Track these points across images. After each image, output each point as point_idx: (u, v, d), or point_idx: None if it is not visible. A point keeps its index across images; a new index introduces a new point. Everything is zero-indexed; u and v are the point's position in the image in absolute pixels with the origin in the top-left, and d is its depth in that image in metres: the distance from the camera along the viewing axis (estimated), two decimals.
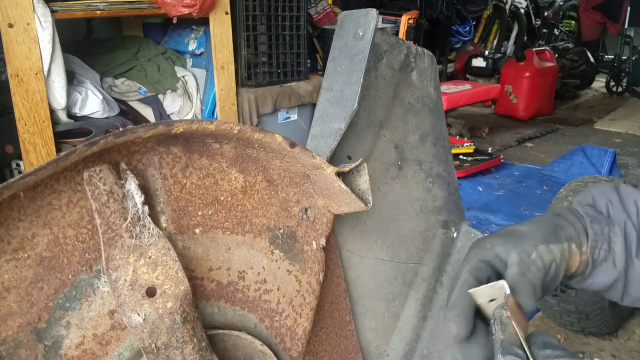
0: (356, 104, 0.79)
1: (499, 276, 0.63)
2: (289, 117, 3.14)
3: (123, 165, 0.60)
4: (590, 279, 0.67)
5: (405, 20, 3.87)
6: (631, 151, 4.39)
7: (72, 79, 2.42)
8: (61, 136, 2.25)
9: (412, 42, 1.31)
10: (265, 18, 2.89)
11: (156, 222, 0.63)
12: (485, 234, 0.74)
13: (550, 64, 5.51)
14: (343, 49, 0.86)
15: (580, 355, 0.54)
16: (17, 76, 2.07)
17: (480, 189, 3.46)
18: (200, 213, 0.68)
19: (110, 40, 2.96)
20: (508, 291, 0.59)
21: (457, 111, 5.00)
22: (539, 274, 0.61)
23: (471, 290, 0.61)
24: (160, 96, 2.82)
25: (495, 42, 6.55)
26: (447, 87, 3.94)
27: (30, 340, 0.58)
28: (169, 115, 2.80)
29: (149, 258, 0.59)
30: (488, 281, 0.62)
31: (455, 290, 0.62)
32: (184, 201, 0.67)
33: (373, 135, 0.90)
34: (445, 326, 0.60)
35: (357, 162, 0.72)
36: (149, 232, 0.60)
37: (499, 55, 6.11)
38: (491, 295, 0.60)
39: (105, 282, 0.61)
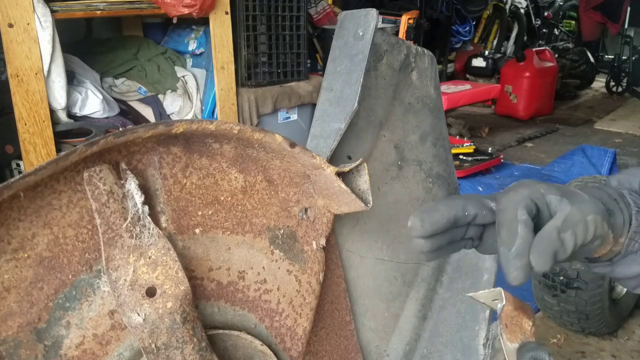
0: (356, 104, 0.79)
1: (539, 222, 0.59)
2: (289, 117, 3.14)
3: (123, 165, 0.60)
4: (616, 267, 0.64)
5: (405, 20, 3.87)
6: (631, 151, 4.39)
7: (72, 79, 2.42)
8: (61, 136, 2.25)
9: (412, 42, 1.31)
10: (265, 18, 2.89)
11: (156, 222, 0.63)
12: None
13: (550, 64, 5.51)
14: (343, 49, 0.86)
15: None
16: (17, 76, 2.07)
17: (480, 189, 3.45)
18: (200, 213, 0.68)
19: (110, 40, 2.95)
20: (504, 301, 0.58)
21: (457, 111, 5.00)
22: (582, 237, 0.57)
23: (471, 295, 0.61)
24: (160, 96, 2.82)
25: (495, 42, 6.55)
26: (447, 87, 3.94)
27: (30, 340, 0.58)
28: (169, 115, 2.80)
29: (149, 258, 0.59)
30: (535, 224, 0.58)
31: (520, 233, 0.57)
32: (184, 201, 0.67)
33: (373, 135, 0.90)
34: (508, 270, 0.56)
35: (357, 162, 0.72)
36: (149, 232, 0.60)
37: (499, 55, 6.12)
38: (492, 297, 0.60)
39: (105, 282, 0.61)
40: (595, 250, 0.62)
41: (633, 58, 6.55)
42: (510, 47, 6.66)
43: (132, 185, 0.59)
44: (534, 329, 0.59)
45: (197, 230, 0.68)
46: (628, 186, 0.66)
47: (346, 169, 0.71)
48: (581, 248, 0.59)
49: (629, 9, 6.98)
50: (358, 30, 0.84)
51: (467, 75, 6.12)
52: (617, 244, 0.62)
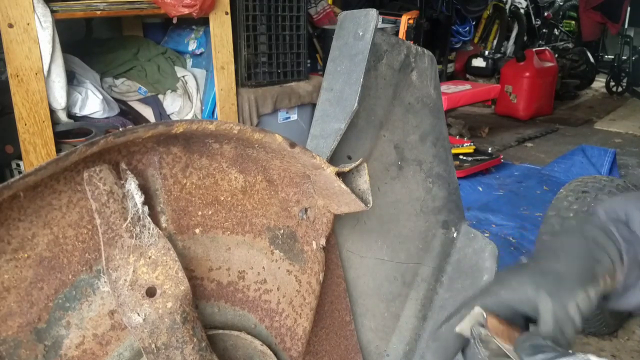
0: (356, 104, 0.79)
1: (527, 320, 0.59)
2: (289, 117, 3.14)
3: (123, 165, 0.60)
4: (616, 301, 0.63)
5: (405, 20, 3.87)
6: (631, 151, 4.39)
7: (72, 79, 2.42)
8: (61, 136, 2.25)
9: (412, 42, 1.31)
10: (265, 18, 2.89)
11: (156, 222, 0.63)
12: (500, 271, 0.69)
13: (550, 64, 5.51)
14: (343, 49, 0.86)
15: (570, 352, 0.53)
16: (17, 76, 2.07)
17: (480, 189, 3.45)
18: (200, 213, 0.68)
19: (110, 40, 2.95)
20: (485, 314, 0.58)
21: (457, 111, 5.00)
22: (575, 329, 0.56)
23: (457, 329, 0.60)
24: (160, 96, 2.82)
25: (495, 42, 6.54)
26: (447, 87, 3.94)
27: (30, 340, 0.58)
28: (169, 115, 2.80)
29: (149, 258, 0.59)
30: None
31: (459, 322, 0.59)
32: (184, 201, 0.67)
33: (373, 135, 0.90)
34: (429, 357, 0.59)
35: (357, 162, 0.72)
36: (149, 232, 0.60)
37: (499, 55, 6.11)
38: (474, 323, 0.60)
39: (105, 282, 0.61)
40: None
41: (633, 58, 6.55)
42: (510, 47, 6.65)
43: (132, 185, 0.59)
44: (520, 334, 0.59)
45: (197, 230, 0.68)
46: (614, 216, 0.64)
47: (346, 169, 0.71)
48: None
49: (629, 9, 6.98)
50: (358, 30, 0.84)
51: (467, 75, 6.11)
52: (616, 282, 0.60)
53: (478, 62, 5.92)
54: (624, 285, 0.61)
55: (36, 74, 2.10)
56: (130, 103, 2.76)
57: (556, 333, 0.55)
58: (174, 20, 2.53)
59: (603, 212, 0.65)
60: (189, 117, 2.81)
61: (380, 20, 3.40)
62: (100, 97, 2.48)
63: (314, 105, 3.01)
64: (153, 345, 0.59)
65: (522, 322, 0.59)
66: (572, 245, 0.61)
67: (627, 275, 0.60)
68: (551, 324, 0.55)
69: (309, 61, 3.30)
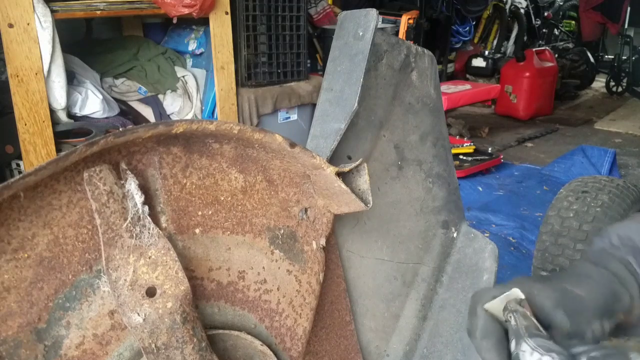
0: (356, 104, 0.79)
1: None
2: (289, 117, 3.14)
3: (123, 165, 0.60)
4: (630, 332, 0.62)
5: (405, 20, 3.87)
6: (631, 151, 4.39)
7: (72, 79, 2.42)
8: (61, 136, 2.25)
9: (412, 42, 1.31)
10: (265, 18, 2.89)
11: (156, 222, 0.63)
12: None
13: (550, 64, 5.51)
14: (343, 49, 0.86)
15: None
16: (17, 76, 2.07)
17: (480, 189, 3.45)
18: (200, 213, 0.68)
19: (110, 40, 2.96)
20: (522, 296, 0.55)
21: (457, 111, 5.00)
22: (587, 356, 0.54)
23: (486, 305, 0.56)
24: (160, 96, 2.82)
25: (495, 42, 6.54)
26: (447, 87, 3.94)
27: (30, 340, 0.58)
28: (169, 115, 2.80)
29: (149, 258, 0.59)
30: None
31: (479, 319, 0.55)
32: (184, 201, 0.66)
33: (373, 135, 0.90)
34: (481, 356, 0.54)
35: (357, 162, 0.72)
36: (149, 232, 0.60)
37: (499, 55, 6.11)
38: (509, 300, 0.57)
39: (105, 282, 0.61)
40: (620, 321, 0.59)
41: (633, 58, 6.54)
42: (510, 47, 6.65)
43: (132, 185, 0.59)
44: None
45: (197, 230, 0.68)
46: (630, 244, 0.61)
47: (346, 169, 0.71)
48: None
49: (629, 9, 6.98)
50: (358, 30, 0.84)
51: (467, 75, 6.11)
52: (630, 317, 0.59)
53: (478, 62, 5.92)
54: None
55: (36, 74, 2.10)
56: (130, 103, 2.76)
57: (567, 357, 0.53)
58: (174, 20, 2.53)
59: (617, 238, 0.63)
60: (189, 117, 2.81)
61: (380, 20, 3.40)
62: (100, 97, 2.48)
63: (314, 105, 3.01)
64: (153, 345, 0.59)
65: None
66: (594, 275, 0.59)
67: None
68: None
69: (309, 61, 3.31)
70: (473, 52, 6.14)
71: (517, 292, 0.55)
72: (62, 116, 2.30)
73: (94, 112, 2.46)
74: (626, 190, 1.80)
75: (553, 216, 1.85)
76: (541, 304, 0.55)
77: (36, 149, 2.16)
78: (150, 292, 0.58)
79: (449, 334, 0.98)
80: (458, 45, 6.04)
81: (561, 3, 7.41)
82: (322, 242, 0.78)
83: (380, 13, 1.36)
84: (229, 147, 0.68)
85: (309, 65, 3.31)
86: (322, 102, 0.86)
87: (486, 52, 6.06)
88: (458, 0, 5.63)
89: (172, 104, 2.81)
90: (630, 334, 0.62)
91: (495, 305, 0.56)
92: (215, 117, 2.83)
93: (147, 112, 2.77)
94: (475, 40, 6.43)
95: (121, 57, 2.77)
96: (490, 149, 3.88)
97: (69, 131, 2.30)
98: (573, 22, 7.77)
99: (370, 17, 0.83)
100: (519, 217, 2.98)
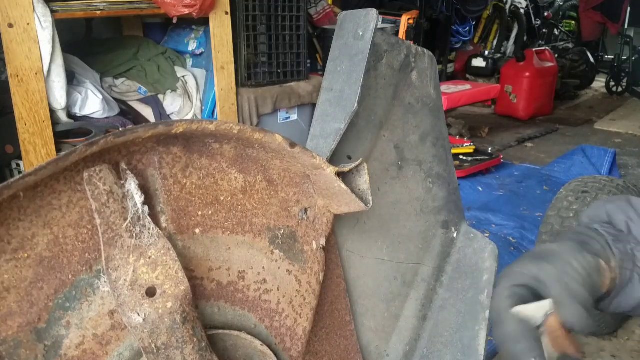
0: (356, 104, 0.79)
1: (540, 298, 0.61)
2: (289, 117, 3.14)
3: (123, 165, 0.60)
4: (616, 300, 0.65)
5: (405, 20, 3.87)
6: (631, 151, 4.39)
7: (72, 79, 2.42)
8: (61, 136, 2.25)
9: (412, 42, 1.31)
10: (265, 18, 2.89)
11: (156, 222, 0.63)
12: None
13: (550, 64, 5.51)
14: (343, 49, 0.86)
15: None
16: (17, 76, 2.07)
17: (480, 189, 3.46)
18: (200, 213, 0.68)
19: (110, 40, 2.96)
20: (549, 311, 0.58)
21: (457, 111, 5.00)
22: (584, 282, 0.59)
23: (515, 310, 0.59)
24: (160, 96, 2.82)
25: (495, 42, 6.55)
26: (447, 87, 3.94)
27: (30, 340, 0.58)
28: (169, 115, 2.80)
29: (149, 258, 0.59)
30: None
31: (509, 324, 0.59)
32: (184, 201, 0.67)
33: (373, 135, 0.91)
34: None
35: (357, 162, 0.72)
36: (149, 232, 0.60)
37: (499, 55, 6.12)
38: (541, 311, 0.59)
39: (105, 282, 0.61)
40: (602, 284, 0.63)
41: (633, 58, 6.54)
42: (510, 47, 6.65)
43: (132, 185, 0.59)
44: (576, 348, 0.59)
45: (197, 230, 0.68)
46: (598, 220, 0.68)
47: (346, 169, 0.71)
48: (593, 289, 0.60)
49: (629, 9, 6.98)
50: (358, 30, 0.84)
51: (467, 75, 6.11)
52: (612, 270, 0.63)
53: (478, 62, 5.93)
54: (620, 281, 0.63)
55: (36, 74, 2.10)
56: (130, 103, 2.76)
57: (565, 289, 0.58)
58: (174, 20, 2.53)
59: (586, 218, 0.70)
60: (189, 117, 2.81)
61: (380, 20, 3.40)
62: (100, 97, 2.48)
63: (314, 105, 3.01)
64: (153, 345, 0.59)
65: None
66: (562, 237, 0.66)
67: (621, 267, 0.63)
68: (558, 283, 0.59)
69: (309, 61, 3.31)
70: (473, 52, 6.14)
71: (548, 304, 0.59)
72: (62, 116, 2.30)
73: (94, 112, 2.46)
74: (626, 190, 1.80)
75: (553, 216, 1.85)
76: (528, 272, 0.62)
77: (36, 149, 2.16)
78: (150, 292, 0.58)
79: (449, 334, 0.98)
80: (458, 45, 6.04)
81: (561, 3, 7.42)
82: (322, 242, 0.78)
83: (380, 13, 1.36)
84: (229, 147, 0.68)
85: (309, 65, 3.31)
86: (322, 102, 0.86)
87: (486, 52, 6.07)
88: (458, 0, 5.63)
89: (172, 104, 2.81)
90: (615, 301, 0.66)
91: (529, 312, 0.59)
92: (215, 117, 2.83)
93: (147, 112, 2.77)
94: (475, 40, 6.44)
95: (121, 57, 2.77)
96: (490, 149, 3.88)
97: (69, 131, 2.30)
98: (573, 22, 7.78)
99: (370, 17, 0.83)
100: (519, 217, 2.98)
